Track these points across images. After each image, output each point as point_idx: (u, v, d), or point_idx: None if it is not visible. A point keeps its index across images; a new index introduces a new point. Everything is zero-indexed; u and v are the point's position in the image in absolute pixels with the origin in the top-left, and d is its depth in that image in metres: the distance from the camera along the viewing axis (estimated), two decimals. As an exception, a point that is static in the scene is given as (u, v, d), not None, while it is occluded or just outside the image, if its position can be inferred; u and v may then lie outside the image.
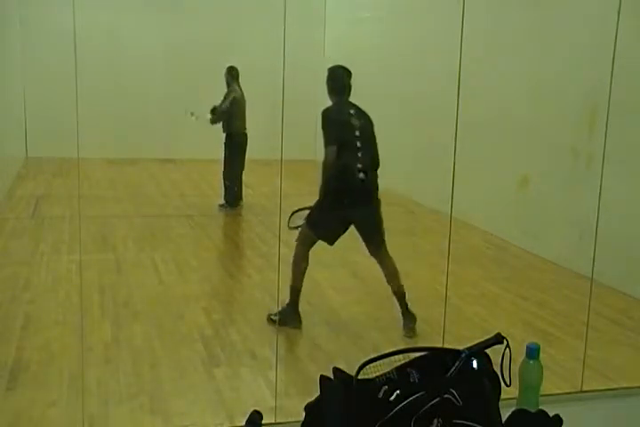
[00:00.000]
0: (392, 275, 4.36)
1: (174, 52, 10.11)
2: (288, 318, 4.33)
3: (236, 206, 7.61)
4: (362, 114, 4.41)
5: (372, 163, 4.30)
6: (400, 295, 4.34)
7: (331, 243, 4.46)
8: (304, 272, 4.38)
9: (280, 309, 4.34)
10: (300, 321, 4.37)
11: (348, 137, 4.24)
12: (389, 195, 8.59)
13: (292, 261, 4.39)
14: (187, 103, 9.95)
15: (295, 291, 4.36)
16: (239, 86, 7.83)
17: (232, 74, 7.80)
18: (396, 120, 8.69)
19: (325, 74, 4.72)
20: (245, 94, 7.89)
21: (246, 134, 7.76)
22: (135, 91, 9.82)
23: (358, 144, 4.25)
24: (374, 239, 4.43)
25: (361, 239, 4.44)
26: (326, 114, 4.38)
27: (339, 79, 4.60)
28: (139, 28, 10.03)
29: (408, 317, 4.34)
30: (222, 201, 7.62)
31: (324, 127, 4.33)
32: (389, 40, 8.97)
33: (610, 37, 3.68)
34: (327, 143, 4.23)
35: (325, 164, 4.25)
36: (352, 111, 4.38)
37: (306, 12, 9.74)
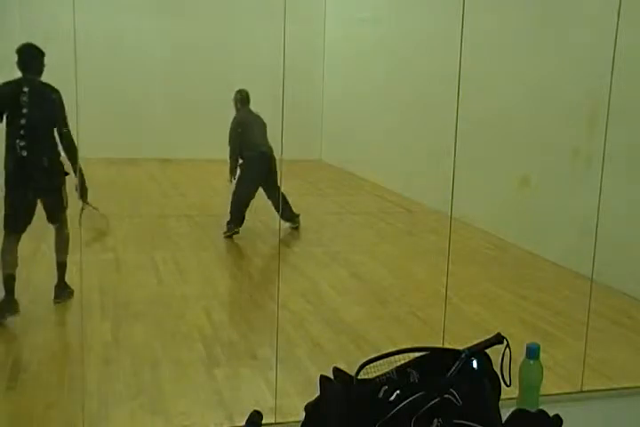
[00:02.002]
0: (63, 246, 4.55)
1: (174, 51, 10.10)
2: (6, 307, 4.26)
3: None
4: (44, 90, 4.45)
5: (41, 139, 4.37)
6: (62, 266, 4.54)
7: (18, 230, 4.41)
8: (14, 263, 4.37)
9: None
10: (18, 308, 4.28)
11: (15, 114, 4.30)
12: (390, 194, 8.62)
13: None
14: (187, 102, 9.97)
15: (8, 280, 4.33)
16: (245, 109, 6.93)
17: (236, 97, 6.98)
18: (396, 120, 8.70)
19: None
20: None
21: (261, 155, 6.60)
22: (135, 91, 9.81)
23: (22, 122, 4.29)
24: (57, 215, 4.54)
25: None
26: None
27: (24, 56, 4.52)
28: (139, 28, 10.02)
29: (63, 288, 4.53)
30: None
31: None
32: (389, 40, 8.97)
33: (610, 37, 3.68)
34: None
35: None
36: (25, 89, 4.36)
37: (306, 12, 9.74)
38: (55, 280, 4.56)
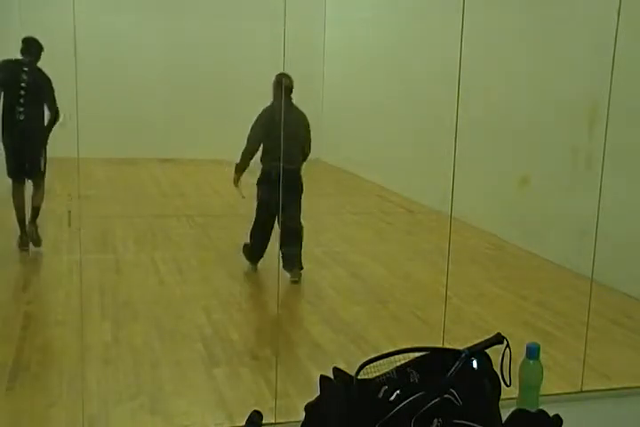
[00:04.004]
0: (39, 197, 5.72)
1: (174, 51, 10.10)
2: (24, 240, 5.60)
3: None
4: (41, 73, 5.57)
5: (34, 108, 5.48)
6: (36, 211, 5.67)
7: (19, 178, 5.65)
8: (23, 206, 5.63)
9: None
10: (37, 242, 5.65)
11: (12, 86, 5.46)
12: (390, 194, 8.61)
13: None
14: (187, 102, 9.97)
15: (21, 220, 5.59)
16: (280, 99, 5.23)
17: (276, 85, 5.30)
18: (395, 120, 8.70)
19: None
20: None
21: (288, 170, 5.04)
22: (135, 90, 9.81)
23: (22, 93, 5.47)
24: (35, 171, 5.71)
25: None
26: None
27: (27, 43, 5.66)
28: (139, 28, 10.03)
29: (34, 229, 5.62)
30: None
31: None
32: (389, 40, 8.97)
33: (610, 37, 3.68)
34: None
35: None
36: (25, 68, 5.55)
37: (306, 12, 9.73)
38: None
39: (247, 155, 5.25)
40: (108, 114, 9.29)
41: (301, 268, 5.21)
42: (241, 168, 5.28)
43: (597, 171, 4.07)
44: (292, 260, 5.17)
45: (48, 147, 5.81)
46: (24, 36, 5.82)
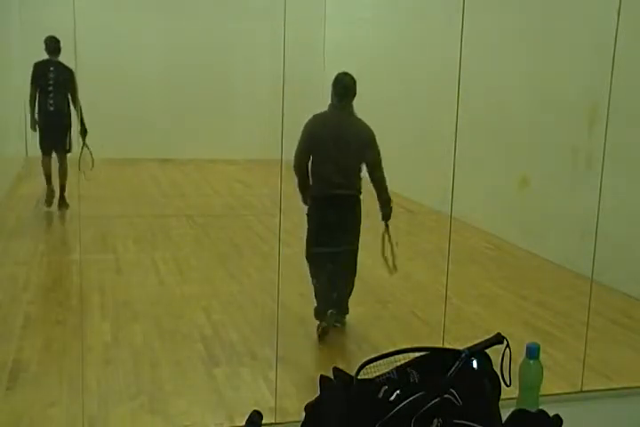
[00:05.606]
0: (63, 173, 7.02)
1: (174, 51, 10.11)
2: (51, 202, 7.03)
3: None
4: (63, 68, 6.76)
5: (60, 100, 6.84)
6: (63, 187, 6.98)
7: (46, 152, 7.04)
8: (50, 174, 6.99)
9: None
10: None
11: (43, 83, 6.80)
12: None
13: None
14: (187, 103, 9.96)
15: (49, 185, 6.98)
16: (335, 105, 4.39)
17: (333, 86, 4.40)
18: (395, 120, 8.69)
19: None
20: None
21: (341, 196, 4.37)
22: (135, 91, 9.81)
23: (50, 88, 6.79)
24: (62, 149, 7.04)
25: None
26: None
27: (49, 43, 6.80)
28: (139, 27, 10.03)
29: (63, 202, 6.99)
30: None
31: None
32: (389, 40, 8.96)
33: (610, 37, 3.68)
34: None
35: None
36: (51, 68, 6.82)
37: (306, 12, 9.73)
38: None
39: (298, 176, 4.32)
40: (108, 114, 9.29)
41: (347, 312, 4.39)
42: (302, 187, 4.31)
43: (597, 171, 4.07)
44: (340, 303, 4.36)
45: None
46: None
